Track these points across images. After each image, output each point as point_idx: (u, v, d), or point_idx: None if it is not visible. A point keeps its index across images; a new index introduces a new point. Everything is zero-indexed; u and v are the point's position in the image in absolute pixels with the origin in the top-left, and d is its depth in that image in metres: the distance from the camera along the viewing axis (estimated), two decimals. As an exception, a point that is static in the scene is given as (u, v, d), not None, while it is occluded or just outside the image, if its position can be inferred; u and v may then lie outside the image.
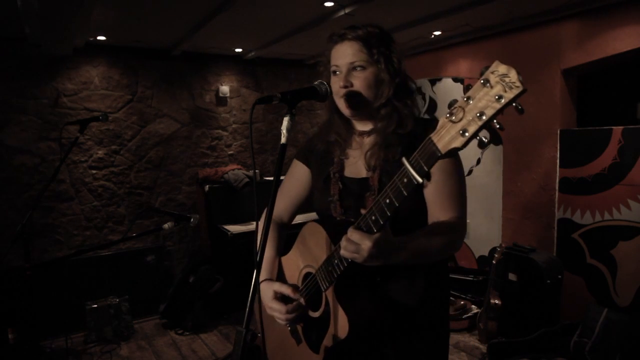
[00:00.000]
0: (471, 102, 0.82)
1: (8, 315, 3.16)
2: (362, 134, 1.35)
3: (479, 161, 4.20)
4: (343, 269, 1.12)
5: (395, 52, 1.28)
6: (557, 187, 3.56)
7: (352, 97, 1.25)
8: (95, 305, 3.64)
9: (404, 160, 0.94)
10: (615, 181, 3.19)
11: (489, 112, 0.80)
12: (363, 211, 1.06)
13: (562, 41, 3.44)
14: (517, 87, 0.77)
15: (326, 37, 1.33)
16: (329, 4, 3.03)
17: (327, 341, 1.20)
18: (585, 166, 3.36)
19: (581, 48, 3.33)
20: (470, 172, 4.30)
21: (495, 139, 4.05)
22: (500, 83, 0.78)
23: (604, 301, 3.23)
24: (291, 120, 1.10)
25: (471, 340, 3.49)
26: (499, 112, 0.79)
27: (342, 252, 1.06)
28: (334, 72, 1.30)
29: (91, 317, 3.62)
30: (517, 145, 3.84)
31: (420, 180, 0.92)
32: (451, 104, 0.86)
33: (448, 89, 4.48)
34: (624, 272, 3.16)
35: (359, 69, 1.25)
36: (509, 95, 0.77)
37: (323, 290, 1.21)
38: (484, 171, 4.18)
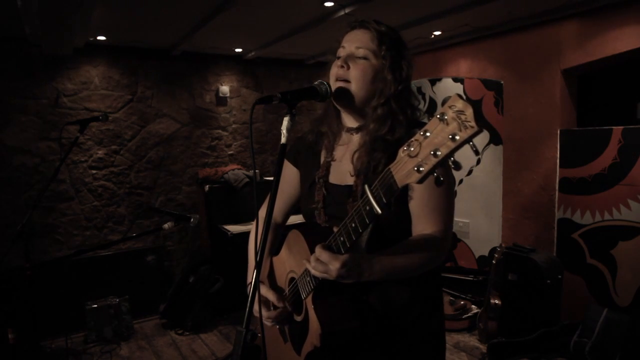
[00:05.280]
0: (428, 136, 0.80)
1: (8, 315, 3.16)
2: (350, 130, 1.32)
3: (479, 161, 4.21)
4: (318, 282, 1.13)
5: (406, 59, 1.26)
6: (557, 187, 3.56)
7: (341, 93, 1.22)
8: (95, 305, 3.64)
9: (366, 188, 0.93)
10: (615, 181, 3.19)
11: (444, 151, 0.77)
12: (336, 230, 1.06)
13: (562, 41, 3.44)
14: (472, 127, 0.73)
15: (327, 36, 1.32)
16: (329, 4, 3.03)
17: (307, 346, 1.22)
18: (585, 166, 3.36)
19: (581, 48, 3.33)
20: (470, 172, 4.30)
21: (495, 139, 4.05)
22: (456, 120, 0.75)
23: (604, 301, 3.23)
24: (291, 120, 1.10)
25: (471, 340, 3.49)
26: (454, 151, 0.76)
27: (312, 271, 1.07)
28: (338, 56, 1.27)
29: (91, 317, 3.62)
30: (517, 145, 3.84)
31: (379, 211, 0.91)
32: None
33: (448, 89, 4.49)
34: (624, 272, 3.16)
35: (362, 58, 1.23)
36: (463, 135, 0.74)
37: (303, 298, 1.22)
38: (484, 171, 4.18)
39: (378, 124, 1.22)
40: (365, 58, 1.22)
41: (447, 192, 1.21)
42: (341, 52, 1.26)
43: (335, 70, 1.24)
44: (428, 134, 0.80)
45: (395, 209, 1.21)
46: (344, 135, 1.35)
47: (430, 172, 0.81)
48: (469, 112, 0.73)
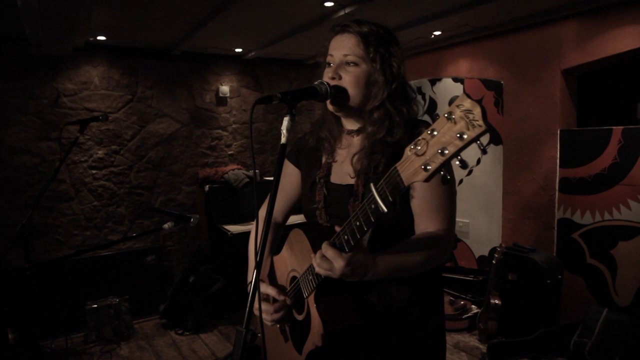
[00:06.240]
0: (435, 135, 0.80)
1: (8, 315, 3.16)
2: (350, 132, 1.33)
3: (479, 161, 4.21)
4: (321, 280, 1.14)
5: (396, 56, 1.24)
6: (557, 187, 3.56)
7: (337, 93, 1.22)
8: (95, 305, 3.64)
9: (372, 186, 0.93)
10: (615, 181, 3.19)
11: (451, 150, 0.77)
12: (339, 229, 1.06)
13: (562, 41, 3.44)
14: (480, 126, 0.73)
15: (327, 36, 1.31)
16: (329, 4, 3.03)
17: (309, 345, 1.22)
18: (585, 166, 3.36)
19: (581, 48, 3.33)
20: (470, 172, 4.30)
21: (495, 139, 4.05)
22: (464, 119, 0.75)
23: (604, 301, 3.23)
24: (291, 120, 1.10)
25: (471, 340, 3.49)
26: (461, 150, 0.77)
27: (317, 269, 1.07)
28: (328, 63, 1.27)
29: (91, 317, 3.62)
30: (517, 145, 3.84)
31: (385, 209, 0.91)
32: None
33: (448, 89, 4.49)
34: (624, 272, 3.16)
35: (351, 64, 1.22)
36: (471, 134, 0.75)
37: (305, 296, 1.22)
38: (484, 171, 4.18)
39: (376, 127, 1.23)
40: (355, 64, 1.22)
41: (448, 191, 1.21)
42: (330, 61, 1.26)
43: (327, 81, 1.23)
44: (435, 132, 0.80)
45: (398, 208, 1.21)
46: (345, 138, 1.35)
47: (437, 171, 0.81)
48: (477, 111, 0.74)
